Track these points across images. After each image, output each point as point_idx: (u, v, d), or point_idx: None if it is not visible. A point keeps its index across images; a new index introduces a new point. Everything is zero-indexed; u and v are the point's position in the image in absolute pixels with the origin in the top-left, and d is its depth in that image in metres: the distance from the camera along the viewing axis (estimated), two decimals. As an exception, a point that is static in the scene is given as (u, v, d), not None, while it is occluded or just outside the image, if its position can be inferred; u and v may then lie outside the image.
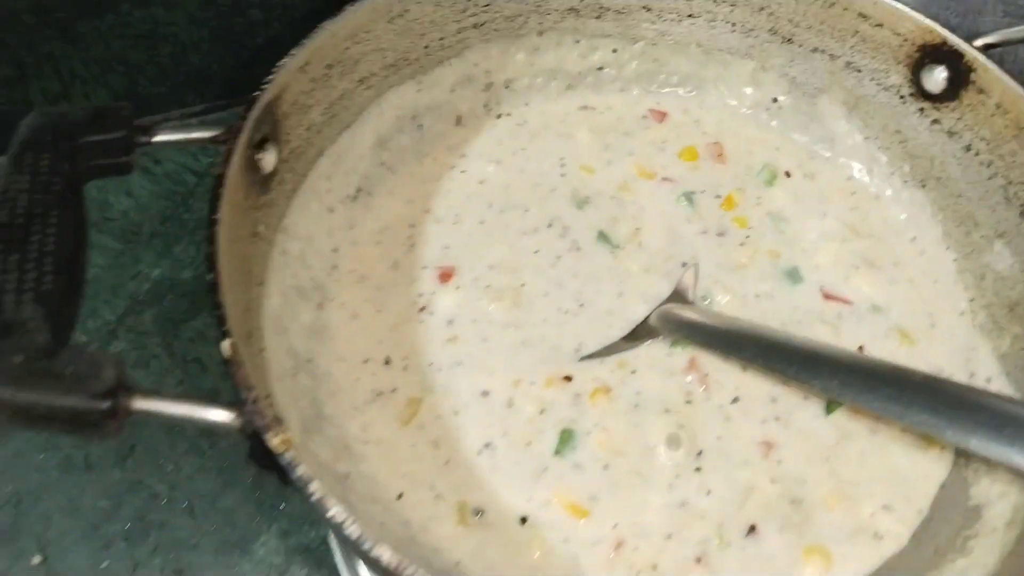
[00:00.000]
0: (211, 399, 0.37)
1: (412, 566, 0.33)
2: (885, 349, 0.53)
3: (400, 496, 0.47)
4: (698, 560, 0.46)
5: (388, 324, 0.53)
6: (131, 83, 0.78)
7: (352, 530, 0.34)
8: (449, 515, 0.47)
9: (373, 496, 0.46)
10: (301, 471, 0.35)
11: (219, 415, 0.36)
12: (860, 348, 0.53)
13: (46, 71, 0.73)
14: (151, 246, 0.72)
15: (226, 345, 0.38)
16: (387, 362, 0.51)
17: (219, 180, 0.43)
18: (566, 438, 0.49)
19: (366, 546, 0.34)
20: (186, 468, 0.60)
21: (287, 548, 0.58)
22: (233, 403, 0.37)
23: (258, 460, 0.37)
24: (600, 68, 0.64)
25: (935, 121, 0.56)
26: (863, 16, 0.56)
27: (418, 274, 0.55)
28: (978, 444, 0.41)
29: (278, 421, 0.37)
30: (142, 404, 0.36)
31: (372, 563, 0.34)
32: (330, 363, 0.51)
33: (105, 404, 0.35)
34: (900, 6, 0.54)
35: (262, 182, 0.48)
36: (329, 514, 0.35)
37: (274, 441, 0.36)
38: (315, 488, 0.35)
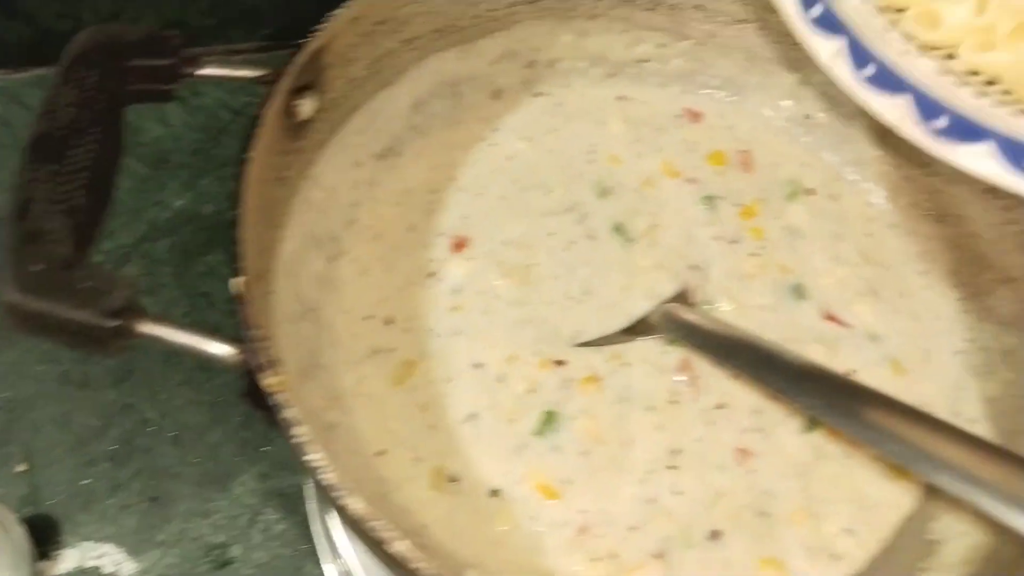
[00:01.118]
0: (215, 332, 0.38)
1: (381, 520, 0.35)
2: (876, 376, 0.53)
3: (381, 453, 0.49)
4: (657, 556, 0.47)
5: (396, 284, 0.54)
6: (182, 11, 0.79)
7: (328, 477, 0.36)
8: (424, 478, 0.48)
9: (355, 449, 0.48)
10: (289, 413, 0.37)
11: (220, 349, 0.38)
12: (852, 373, 0.54)
13: (100, -11, 0.73)
14: (177, 176, 0.73)
15: (239, 282, 0.39)
16: (389, 321, 0.53)
17: (256, 120, 0.44)
18: (549, 420, 0.50)
19: (339, 495, 0.35)
20: (179, 398, 0.62)
21: (264, 490, 0.59)
22: (235, 339, 0.38)
23: (251, 398, 0.38)
24: (644, 61, 0.64)
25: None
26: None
27: (433, 240, 0.56)
28: (947, 481, 0.42)
29: (276, 362, 0.39)
30: (148, 328, 0.37)
31: (342, 512, 0.35)
32: (334, 315, 0.52)
33: (113, 323, 0.36)
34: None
35: (296, 128, 0.50)
36: (309, 458, 0.36)
37: (269, 381, 0.37)
38: (300, 431, 0.36)
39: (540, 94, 0.63)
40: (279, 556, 0.57)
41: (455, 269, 0.55)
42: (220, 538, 0.58)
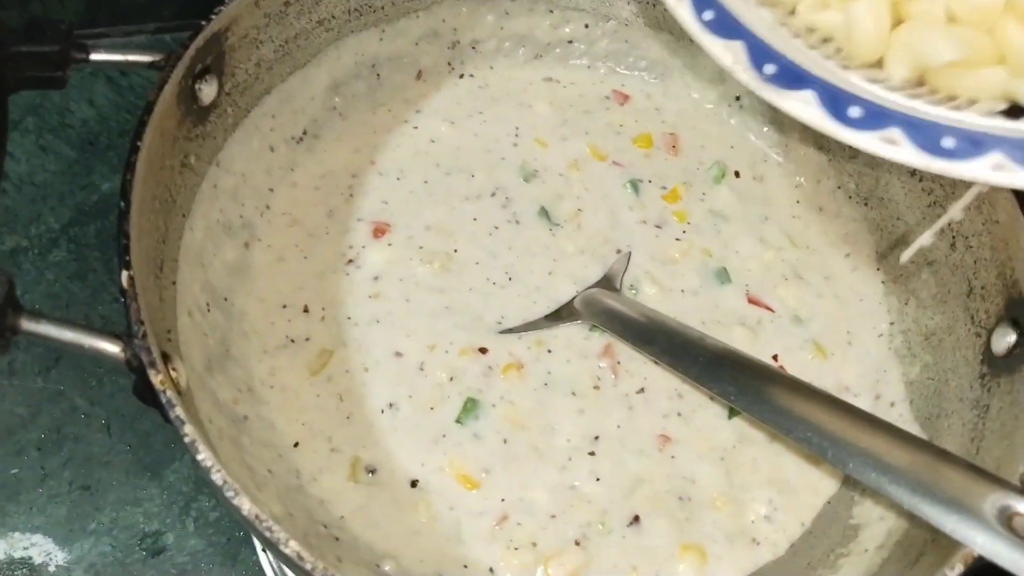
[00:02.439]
0: (100, 329, 0.37)
1: (268, 520, 0.34)
2: (799, 360, 0.54)
3: (296, 445, 0.48)
4: (577, 543, 0.47)
5: (313, 272, 0.53)
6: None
7: (217, 477, 0.35)
8: (342, 469, 0.47)
9: (268, 441, 0.47)
10: (177, 412, 0.35)
11: (107, 346, 0.37)
12: (775, 357, 0.54)
13: (19, -33, 0.71)
14: (105, 159, 0.71)
15: (124, 276, 0.38)
16: (305, 310, 0.52)
17: (148, 107, 0.43)
18: (470, 407, 0.49)
19: (228, 493, 0.34)
20: (109, 385, 0.61)
21: (197, 478, 0.58)
22: (121, 335, 0.37)
23: (140, 395, 0.37)
24: (570, 41, 0.63)
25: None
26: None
27: (352, 225, 0.55)
28: (855, 469, 0.42)
29: (166, 358, 0.38)
30: (30, 325, 0.36)
31: (233, 510, 0.34)
32: (247, 303, 0.51)
33: (-11, 321, 0.35)
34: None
35: (199, 113, 0.48)
36: (199, 457, 0.35)
37: (156, 379, 0.36)
38: (188, 431, 0.35)
39: (465, 75, 0.62)
40: (214, 543, 0.56)
41: (375, 256, 0.54)
42: (153, 526, 0.56)
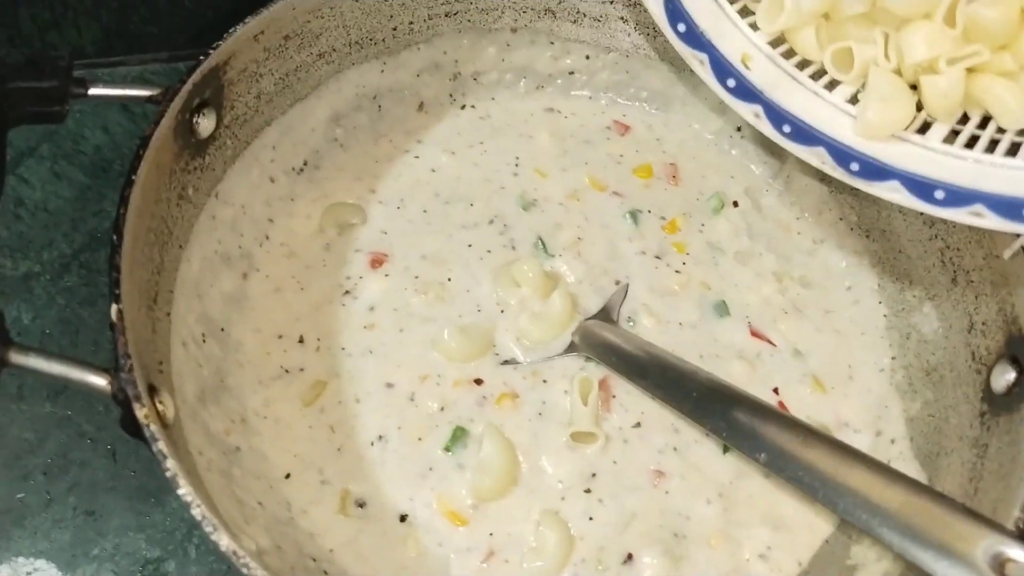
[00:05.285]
0: (88, 362, 0.37)
1: (245, 556, 0.34)
2: (799, 394, 0.53)
3: (287, 476, 0.48)
4: (568, 581, 0.46)
5: (310, 303, 0.53)
6: (122, 20, 0.78)
7: (196, 512, 0.35)
8: (332, 502, 0.47)
9: (259, 472, 0.47)
10: (159, 446, 0.36)
11: (94, 379, 0.37)
12: (775, 390, 0.53)
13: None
14: (118, 185, 0.71)
15: (113, 310, 0.38)
16: (301, 341, 0.52)
17: (144, 141, 0.43)
18: (458, 435, 0.49)
19: (207, 528, 0.34)
20: (115, 411, 0.60)
21: (201, 506, 0.58)
22: (109, 369, 0.37)
23: (126, 428, 0.37)
24: (571, 72, 0.63)
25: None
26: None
27: (350, 256, 0.55)
28: (845, 510, 0.41)
29: (153, 391, 0.38)
30: (18, 359, 0.36)
31: (212, 544, 0.35)
32: (244, 334, 0.51)
33: (-22, 354, 0.35)
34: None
35: (197, 146, 0.49)
36: (180, 492, 0.35)
37: (140, 412, 0.36)
38: (169, 466, 0.35)
39: (466, 106, 0.63)
40: (215, 571, 0.56)
41: (371, 286, 0.54)
42: (155, 552, 0.56)
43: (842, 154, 0.45)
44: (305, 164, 0.57)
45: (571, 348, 0.53)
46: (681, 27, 0.50)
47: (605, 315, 0.54)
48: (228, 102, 0.50)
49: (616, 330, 0.53)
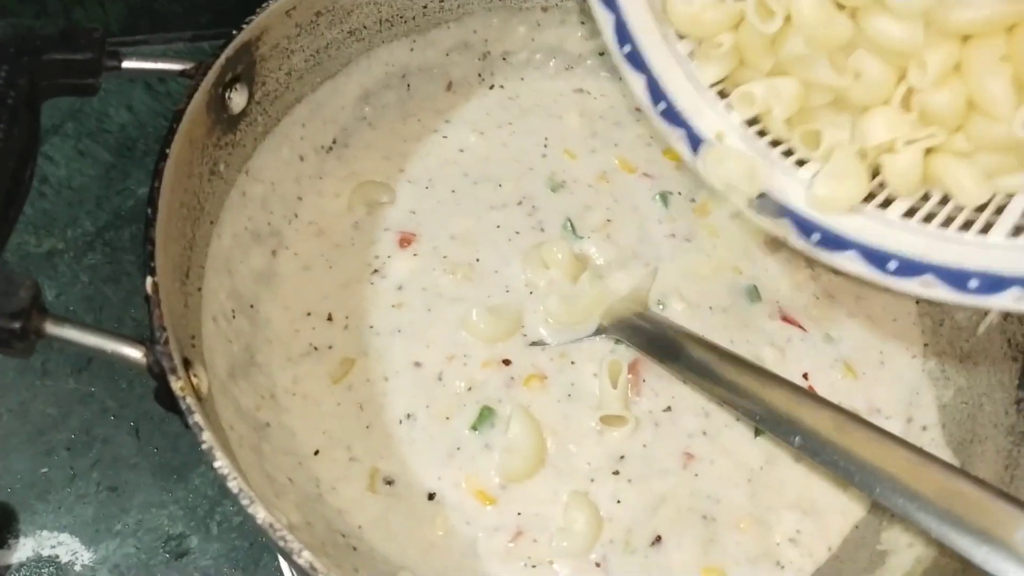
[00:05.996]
0: (123, 334, 0.37)
1: (282, 529, 0.34)
2: (829, 379, 0.53)
3: (316, 453, 0.48)
4: (598, 564, 0.46)
5: (338, 281, 0.53)
6: (147, -2, 0.78)
7: (233, 484, 0.35)
8: (360, 479, 0.47)
9: (289, 449, 0.47)
10: (196, 418, 0.36)
11: (129, 351, 0.37)
12: (805, 375, 0.52)
13: (66, -24, 0.72)
14: (142, 164, 0.72)
15: (149, 283, 0.38)
16: (329, 318, 0.52)
17: (177, 115, 0.43)
18: (485, 415, 0.49)
19: (244, 501, 0.34)
20: (139, 388, 0.61)
21: (222, 483, 0.58)
22: (144, 341, 0.37)
23: (161, 401, 0.37)
24: (601, 53, 0.62)
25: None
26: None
27: (379, 235, 0.55)
28: (882, 494, 0.41)
29: (188, 364, 0.38)
30: (54, 329, 0.36)
31: (248, 518, 0.34)
32: (272, 311, 0.51)
33: (15, 324, 0.35)
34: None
35: (229, 121, 0.48)
36: (216, 464, 0.35)
37: (176, 385, 0.36)
38: (206, 438, 0.35)
39: (495, 86, 0.62)
40: (236, 548, 0.56)
41: (400, 265, 0.54)
42: (178, 528, 0.57)
43: (806, 225, 0.49)
44: (334, 142, 0.57)
45: (600, 331, 0.52)
46: (662, 105, 0.53)
47: (634, 298, 0.54)
48: (260, 78, 0.49)
49: (646, 313, 0.53)
